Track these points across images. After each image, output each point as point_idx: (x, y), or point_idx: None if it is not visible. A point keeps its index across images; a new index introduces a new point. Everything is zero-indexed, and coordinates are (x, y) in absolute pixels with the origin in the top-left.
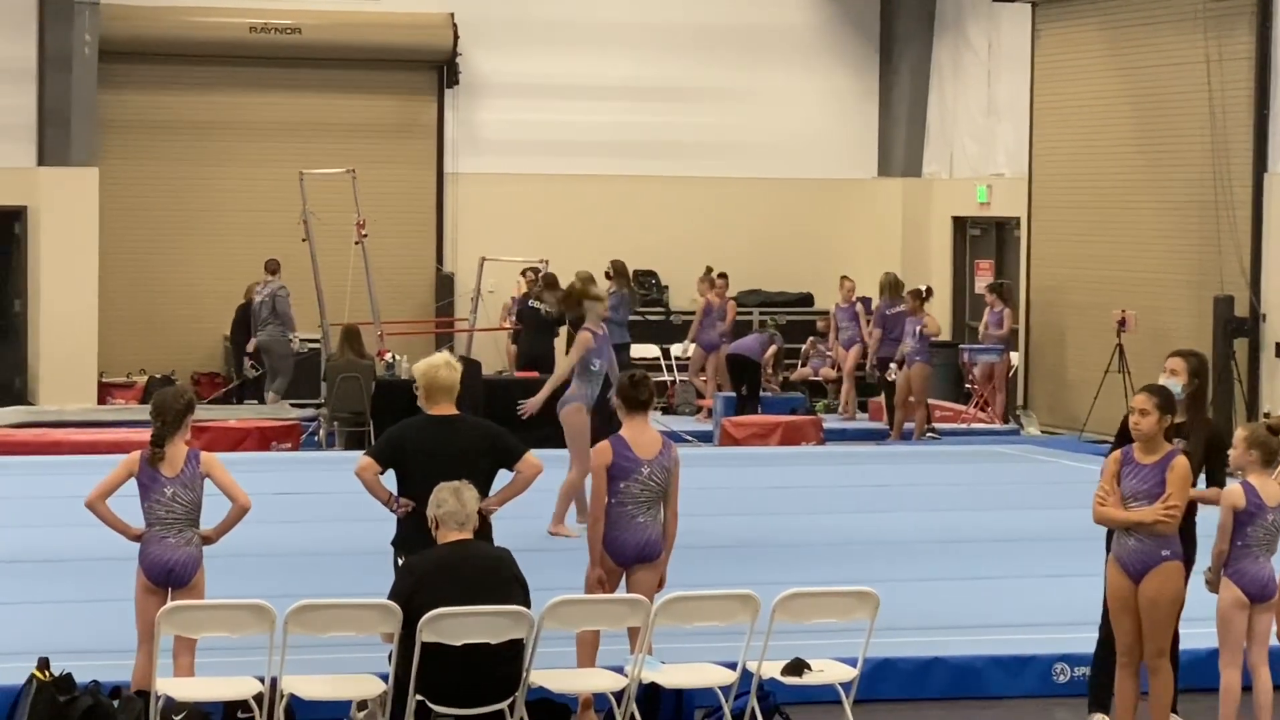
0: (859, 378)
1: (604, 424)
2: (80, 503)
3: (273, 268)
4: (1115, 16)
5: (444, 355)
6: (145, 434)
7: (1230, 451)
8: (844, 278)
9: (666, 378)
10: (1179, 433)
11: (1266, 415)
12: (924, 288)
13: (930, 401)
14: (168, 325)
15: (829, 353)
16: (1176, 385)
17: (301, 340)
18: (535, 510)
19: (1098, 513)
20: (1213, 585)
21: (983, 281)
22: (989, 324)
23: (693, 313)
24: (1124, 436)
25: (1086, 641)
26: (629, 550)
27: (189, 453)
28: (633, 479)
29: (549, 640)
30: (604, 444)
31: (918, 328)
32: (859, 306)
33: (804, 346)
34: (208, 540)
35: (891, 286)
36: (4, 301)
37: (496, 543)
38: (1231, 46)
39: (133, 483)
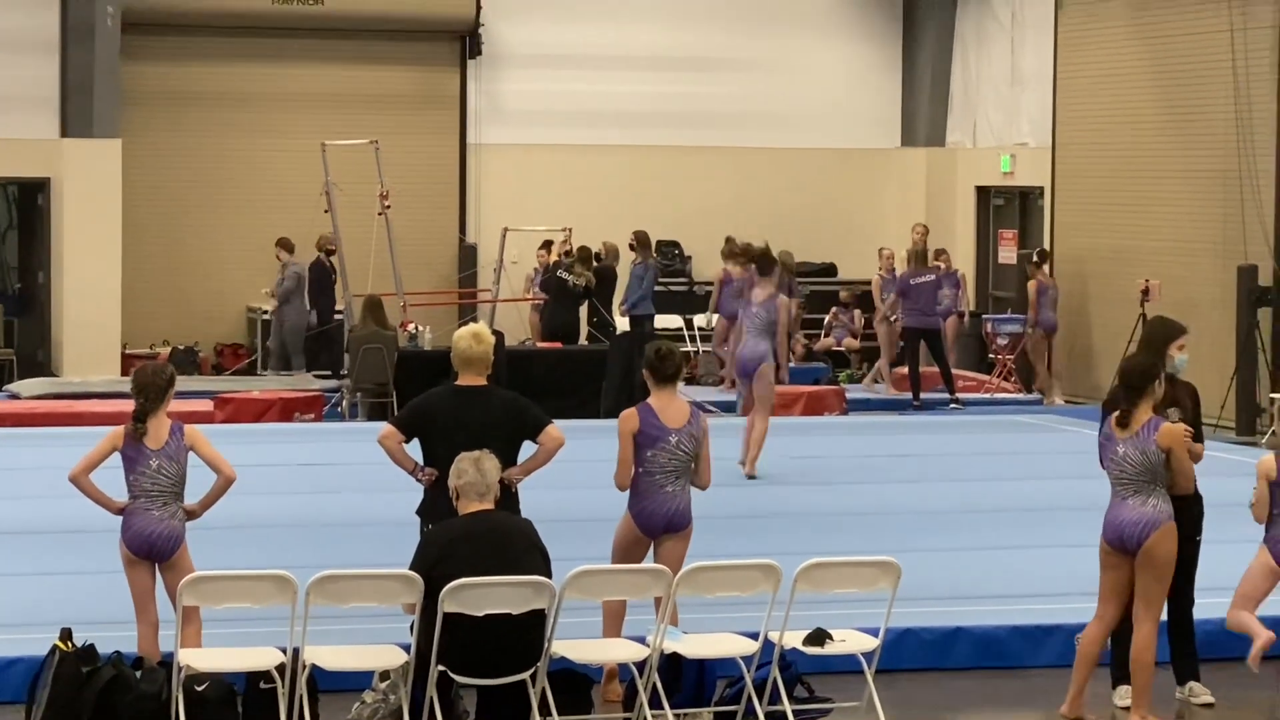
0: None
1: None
2: (104, 474)
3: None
4: None
5: (473, 327)
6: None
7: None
8: (882, 249)
9: (690, 348)
10: (1173, 402)
11: None
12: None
13: (955, 371)
14: (191, 296)
15: (852, 325)
16: (1185, 359)
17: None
18: (559, 481)
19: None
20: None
21: (1007, 252)
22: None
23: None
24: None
25: None
26: (657, 519)
27: (173, 425)
28: (659, 447)
29: (571, 610)
30: (630, 411)
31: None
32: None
33: (827, 317)
34: (191, 515)
35: (918, 256)
36: (28, 273)
37: (522, 513)
38: (1255, 15)
39: (116, 457)
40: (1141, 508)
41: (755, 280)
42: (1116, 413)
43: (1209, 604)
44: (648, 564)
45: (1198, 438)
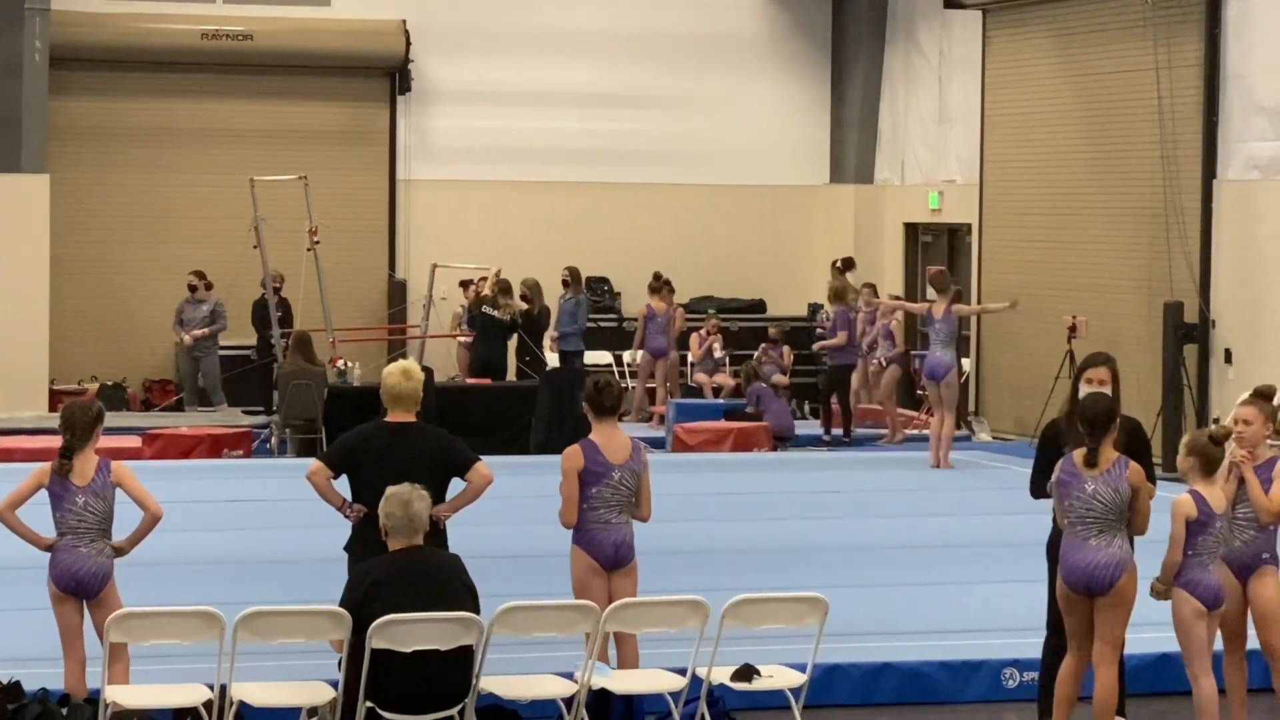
0: (811, 384)
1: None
2: (32, 510)
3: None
4: (1065, 23)
5: (403, 363)
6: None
7: (1177, 458)
8: (866, 284)
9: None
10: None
11: (1215, 421)
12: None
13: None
14: (119, 332)
15: (781, 361)
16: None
17: (252, 347)
18: (487, 518)
19: None
20: (1162, 595)
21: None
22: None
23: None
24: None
25: (1035, 647)
26: (607, 549)
27: (100, 462)
28: (604, 484)
29: (498, 647)
30: (574, 448)
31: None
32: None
33: (756, 353)
34: (120, 552)
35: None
36: None
37: (450, 549)
38: (1181, 53)
39: (44, 494)
40: (1108, 549)
41: (935, 298)
42: (1082, 450)
43: (1136, 638)
44: (577, 600)
45: (1150, 477)
